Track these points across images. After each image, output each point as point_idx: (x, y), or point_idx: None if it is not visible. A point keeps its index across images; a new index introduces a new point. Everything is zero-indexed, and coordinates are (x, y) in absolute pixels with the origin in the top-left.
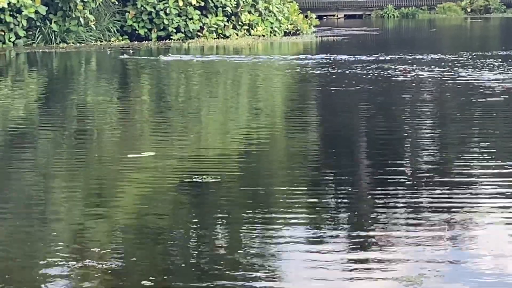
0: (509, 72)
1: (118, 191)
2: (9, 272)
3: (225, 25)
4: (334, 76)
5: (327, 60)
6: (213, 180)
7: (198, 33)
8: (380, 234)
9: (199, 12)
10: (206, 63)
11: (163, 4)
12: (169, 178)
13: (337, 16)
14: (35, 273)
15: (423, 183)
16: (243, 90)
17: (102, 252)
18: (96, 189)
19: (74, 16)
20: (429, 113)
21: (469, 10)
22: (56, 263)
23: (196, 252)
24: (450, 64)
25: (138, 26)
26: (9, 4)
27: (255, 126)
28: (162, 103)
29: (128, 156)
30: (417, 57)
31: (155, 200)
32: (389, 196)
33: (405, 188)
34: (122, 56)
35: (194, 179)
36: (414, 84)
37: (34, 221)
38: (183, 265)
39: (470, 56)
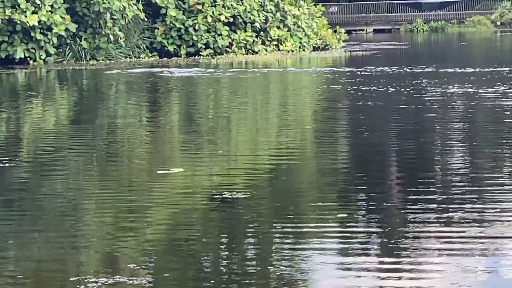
0: None
1: (148, 206)
2: None
3: (254, 40)
4: (364, 91)
5: (357, 74)
6: (243, 196)
7: (227, 49)
8: (411, 247)
9: (228, 28)
10: (238, 78)
11: (192, 20)
12: (198, 194)
13: (366, 30)
14: None
15: (454, 198)
16: (272, 105)
17: (133, 267)
18: (126, 204)
19: (104, 33)
20: (459, 129)
21: (498, 23)
22: (87, 279)
23: (227, 267)
24: (480, 79)
25: (168, 42)
26: (39, 22)
27: (284, 141)
28: (192, 120)
29: (158, 172)
30: (448, 71)
31: (185, 216)
32: (420, 211)
33: (436, 203)
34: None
35: (224, 195)
36: (444, 100)
37: (65, 237)
38: (213, 281)
39: (500, 70)
